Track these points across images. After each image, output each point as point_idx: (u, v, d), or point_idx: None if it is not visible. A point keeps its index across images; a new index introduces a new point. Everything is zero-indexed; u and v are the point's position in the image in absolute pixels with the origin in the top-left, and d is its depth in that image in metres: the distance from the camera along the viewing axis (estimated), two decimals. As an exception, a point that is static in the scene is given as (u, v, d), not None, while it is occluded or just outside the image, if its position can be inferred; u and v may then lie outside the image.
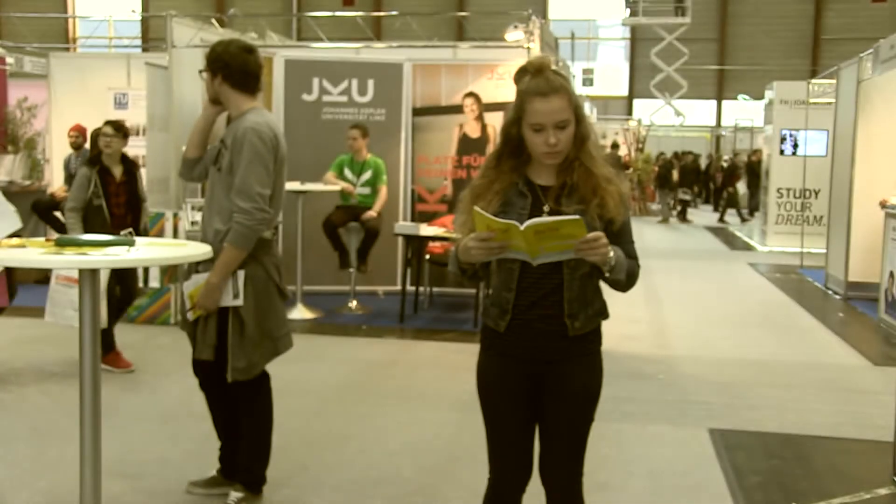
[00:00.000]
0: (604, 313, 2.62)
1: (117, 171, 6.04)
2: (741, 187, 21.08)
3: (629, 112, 32.44)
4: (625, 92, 33.61)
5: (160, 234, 7.53)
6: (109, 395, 4.80)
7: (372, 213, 8.20)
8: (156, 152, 8.19)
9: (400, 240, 8.54)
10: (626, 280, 2.52)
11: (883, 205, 8.75)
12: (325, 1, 24.70)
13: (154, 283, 7.63)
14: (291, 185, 7.27)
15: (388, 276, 9.11)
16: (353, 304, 8.43)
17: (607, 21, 33.85)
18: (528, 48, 8.12)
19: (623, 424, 5.13)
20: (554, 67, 2.53)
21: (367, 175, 8.31)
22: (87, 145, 9.21)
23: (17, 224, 5.49)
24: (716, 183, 25.59)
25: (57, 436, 4.69)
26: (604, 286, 2.60)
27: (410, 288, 8.25)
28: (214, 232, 3.65)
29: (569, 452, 2.62)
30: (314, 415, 5.23)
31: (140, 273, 7.10)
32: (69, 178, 9.86)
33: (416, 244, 8.12)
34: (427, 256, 8.15)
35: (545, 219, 2.34)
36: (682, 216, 21.23)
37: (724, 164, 25.88)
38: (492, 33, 10.30)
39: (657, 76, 29.38)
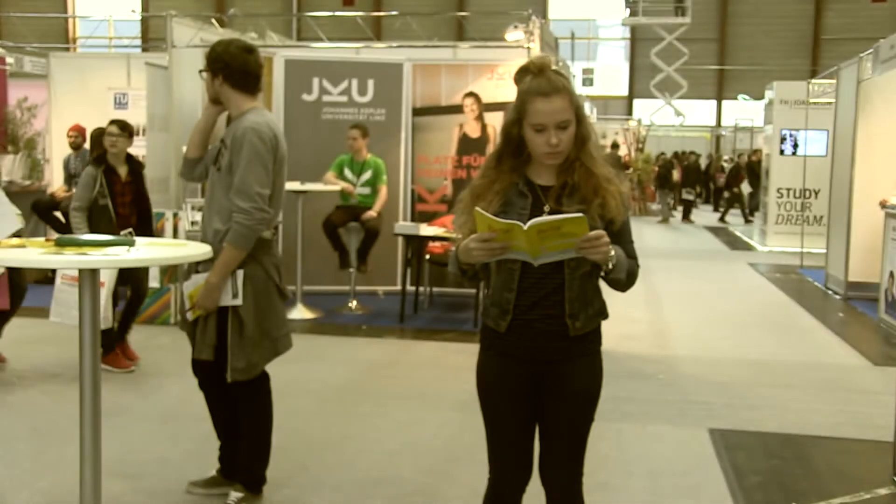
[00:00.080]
0: (604, 313, 2.62)
1: (122, 170, 6.05)
2: (745, 188, 21.03)
3: (629, 112, 32.45)
4: (625, 92, 33.62)
5: (160, 234, 7.53)
6: (109, 395, 4.80)
7: (372, 213, 8.20)
8: (156, 152, 8.20)
9: (400, 240, 8.54)
10: (626, 279, 2.52)
11: (883, 205, 8.75)
12: (325, 1, 24.70)
13: (154, 283, 7.63)
14: (291, 185, 7.27)
15: (388, 276, 9.11)
16: (353, 304, 8.43)
17: (607, 21, 33.86)
18: (528, 48, 8.12)
19: (623, 424, 5.13)
20: (554, 67, 2.53)
21: (367, 175, 8.31)
22: (87, 145, 9.21)
23: (18, 224, 5.51)
24: (716, 183, 25.59)
25: (57, 436, 4.69)
26: (603, 286, 2.60)
27: (410, 288, 8.25)
28: (214, 232, 3.65)
29: (569, 452, 2.63)
30: (314, 415, 5.23)
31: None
32: (69, 178, 9.86)
33: (416, 244, 8.12)
34: (427, 256, 8.15)
35: (548, 217, 2.34)
36: (686, 216, 21.19)
37: (725, 164, 25.88)
38: (492, 33, 10.31)
39: (657, 76, 29.39)
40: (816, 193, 14.28)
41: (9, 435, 4.75)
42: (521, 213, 2.49)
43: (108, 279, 5.80)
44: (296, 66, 9.03)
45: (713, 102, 32.79)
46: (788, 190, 14.84)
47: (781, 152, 14.86)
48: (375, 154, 8.38)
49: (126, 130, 6.03)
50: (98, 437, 3.11)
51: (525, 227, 2.29)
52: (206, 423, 4.02)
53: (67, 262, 3.15)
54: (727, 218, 21.36)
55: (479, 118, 8.85)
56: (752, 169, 20.26)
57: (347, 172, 8.32)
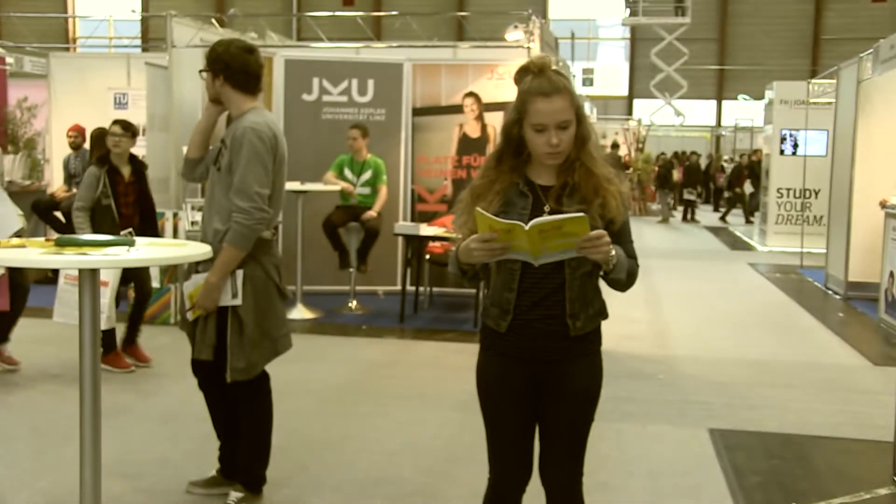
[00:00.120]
0: (604, 313, 2.62)
1: (126, 170, 6.04)
2: (748, 188, 21.00)
3: (629, 112, 32.45)
4: (625, 92, 33.62)
5: (160, 234, 7.53)
6: (109, 395, 4.80)
7: (372, 213, 8.20)
8: (156, 152, 8.20)
9: (400, 240, 8.54)
10: (626, 279, 2.53)
11: (883, 205, 8.75)
12: (325, 1, 24.70)
13: (154, 283, 7.63)
14: (291, 185, 7.27)
15: (388, 276, 9.11)
16: (353, 304, 8.43)
17: (607, 21, 33.87)
18: (528, 48, 8.12)
19: (623, 424, 5.13)
20: (554, 67, 2.53)
21: (367, 175, 8.31)
22: (87, 145, 9.21)
23: (20, 224, 5.52)
24: (716, 183, 25.58)
25: (57, 436, 4.69)
26: (602, 286, 2.60)
27: (410, 288, 8.25)
28: (214, 232, 3.65)
29: (569, 452, 2.63)
30: (314, 415, 5.23)
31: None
32: (68, 178, 9.86)
33: (416, 244, 8.12)
34: (427, 256, 8.15)
35: (549, 217, 2.33)
36: (691, 216, 21.09)
37: (725, 165, 25.87)
38: (492, 33, 10.30)
39: (657, 76, 29.41)
40: (816, 193, 14.29)
41: (9, 435, 4.75)
42: (522, 213, 2.49)
43: (111, 279, 5.80)
44: (296, 66, 9.03)
45: (713, 102, 32.80)
46: (788, 190, 14.84)
47: (781, 152, 14.86)
48: (375, 154, 8.38)
49: (129, 130, 6.03)
50: (98, 437, 3.11)
51: (526, 228, 2.29)
52: (206, 423, 4.02)
53: (67, 262, 3.15)
54: (728, 218, 21.34)
55: (479, 118, 8.85)
56: (752, 169, 20.25)
57: (347, 172, 8.32)
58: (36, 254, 3.00)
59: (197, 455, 4.37)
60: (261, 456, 3.84)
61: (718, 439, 4.93)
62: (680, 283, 11.19)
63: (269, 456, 3.87)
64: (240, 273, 3.62)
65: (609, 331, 2.65)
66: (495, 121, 8.57)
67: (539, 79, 2.48)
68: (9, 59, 11.05)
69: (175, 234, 7.61)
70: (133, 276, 6.20)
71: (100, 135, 8.70)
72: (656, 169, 22.55)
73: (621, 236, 2.54)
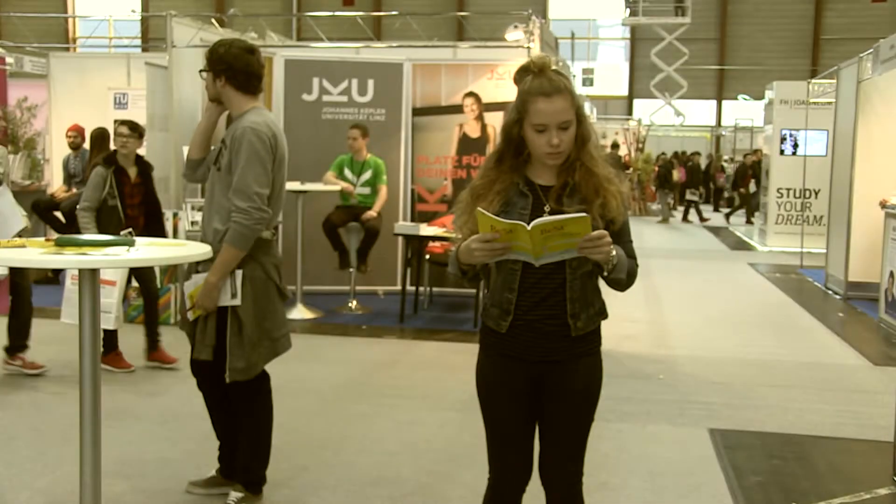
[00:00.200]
0: (604, 313, 2.62)
1: (132, 171, 6.04)
2: (752, 187, 20.95)
3: (629, 112, 32.44)
4: (625, 92, 33.61)
5: (165, 234, 7.52)
6: (109, 395, 4.80)
7: (372, 213, 8.20)
8: (156, 152, 8.19)
9: (400, 240, 8.55)
10: (626, 279, 2.53)
11: (883, 205, 8.75)
12: (325, 1, 24.70)
13: (154, 283, 7.63)
14: (291, 185, 7.27)
15: (388, 276, 9.11)
16: (353, 304, 8.43)
17: (607, 21, 33.86)
18: (528, 48, 8.12)
19: (623, 424, 5.13)
20: (554, 67, 2.53)
21: (366, 175, 8.31)
22: (87, 145, 9.21)
23: (23, 224, 5.52)
24: (716, 183, 25.56)
25: (57, 436, 4.69)
26: (602, 285, 2.60)
27: (410, 288, 8.25)
28: (214, 231, 3.65)
29: (569, 452, 2.63)
30: (314, 415, 5.23)
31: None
32: (68, 178, 9.86)
33: (416, 244, 8.12)
34: (427, 256, 8.15)
35: (551, 217, 2.33)
36: (698, 216, 21.00)
37: (725, 165, 25.85)
38: (492, 33, 10.30)
39: (657, 76, 29.41)
40: (816, 193, 14.29)
41: (9, 435, 4.75)
42: (522, 213, 2.49)
43: (119, 279, 5.80)
44: (296, 66, 9.03)
45: (713, 102, 32.79)
46: (788, 190, 14.84)
47: (781, 152, 14.87)
48: (375, 154, 8.38)
49: (136, 131, 6.03)
50: (98, 437, 3.11)
51: (529, 228, 2.29)
52: (206, 423, 4.02)
53: (67, 262, 3.15)
54: (731, 218, 21.29)
55: (479, 118, 8.85)
56: (752, 169, 20.21)
57: (347, 172, 8.32)
58: (36, 254, 3.00)
59: (197, 455, 4.37)
60: (261, 456, 3.84)
61: (718, 439, 4.93)
62: (680, 283, 11.19)
63: (269, 456, 3.87)
64: (239, 273, 3.62)
65: (609, 331, 2.65)
66: (495, 121, 8.57)
67: (539, 79, 2.48)
68: (9, 59, 11.04)
69: (175, 234, 7.61)
70: (138, 277, 6.20)
71: (100, 135, 8.71)
72: (656, 169, 22.53)
73: (621, 236, 2.54)
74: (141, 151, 8.49)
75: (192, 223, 7.56)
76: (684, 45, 28.31)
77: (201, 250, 3.26)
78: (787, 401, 5.80)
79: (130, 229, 5.60)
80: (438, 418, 5.19)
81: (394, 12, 27.90)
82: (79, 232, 6.07)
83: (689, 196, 21.71)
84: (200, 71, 3.81)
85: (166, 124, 8.11)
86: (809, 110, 13.27)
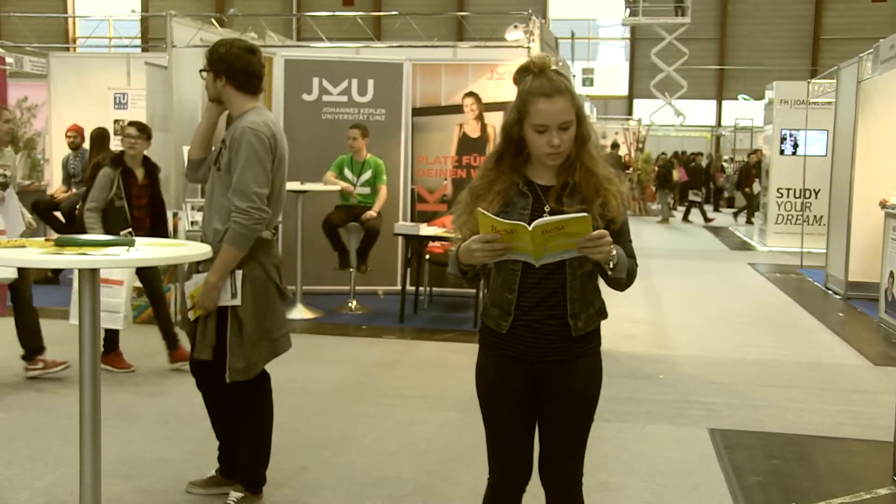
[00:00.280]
0: (604, 313, 2.62)
1: (140, 172, 6.04)
2: (756, 187, 20.90)
3: (629, 112, 32.44)
4: (625, 92, 33.61)
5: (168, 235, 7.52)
6: (109, 395, 4.81)
7: (372, 213, 8.20)
8: (156, 152, 8.17)
9: (400, 240, 8.54)
10: (626, 279, 2.53)
11: (883, 205, 8.75)
12: (325, 1, 24.68)
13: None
14: (291, 185, 7.26)
15: (388, 276, 9.11)
16: (353, 304, 8.43)
17: (607, 21, 33.86)
18: (528, 48, 8.12)
19: (623, 424, 5.13)
20: (554, 67, 2.53)
21: (366, 175, 8.31)
22: (86, 145, 9.21)
23: (23, 227, 5.53)
24: (716, 183, 25.55)
25: (57, 436, 4.68)
26: (601, 285, 2.60)
27: (410, 288, 8.25)
28: (214, 231, 3.65)
29: (569, 452, 2.63)
30: (314, 415, 5.23)
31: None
32: (67, 178, 9.86)
33: (416, 244, 8.11)
34: (427, 256, 8.15)
35: (552, 217, 2.33)
36: (703, 216, 20.97)
37: (725, 165, 25.84)
38: (492, 33, 10.29)
39: (657, 76, 29.40)
40: (816, 193, 14.29)
41: (9, 435, 4.75)
42: (522, 213, 2.49)
43: (126, 279, 5.79)
44: (296, 66, 9.03)
45: (713, 102, 32.79)
46: (788, 190, 14.85)
47: (781, 152, 14.87)
48: (375, 154, 8.38)
49: (144, 132, 6.02)
50: (98, 437, 3.11)
51: (530, 228, 2.29)
52: (206, 423, 4.02)
53: (67, 262, 3.15)
54: (738, 217, 21.26)
55: (479, 118, 8.85)
56: (756, 168, 20.17)
57: (347, 172, 8.32)
58: (36, 254, 3.00)
59: (197, 455, 4.37)
60: (261, 456, 3.84)
61: (718, 439, 4.93)
62: (680, 283, 11.19)
63: (269, 456, 3.87)
64: (239, 273, 3.61)
65: (609, 331, 2.65)
66: (495, 121, 8.57)
67: (540, 79, 2.48)
68: (9, 59, 11.05)
69: (175, 234, 7.61)
70: (143, 279, 6.19)
71: (100, 135, 8.72)
72: (656, 169, 22.53)
73: (621, 235, 2.54)
74: (141, 151, 8.48)
75: (192, 223, 7.55)
76: (684, 45, 28.31)
77: (201, 250, 3.26)
78: (787, 401, 5.80)
79: (130, 229, 5.62)
80: (438, 418, 5.19)
81: (394, 12, 27.91)
82: (79, 232, 6.08)
83: (692, 197, 21.69)
84: (201, 71, 3.81)
85: (166, 124, 8.11)
86: (809, 110, 13.27)
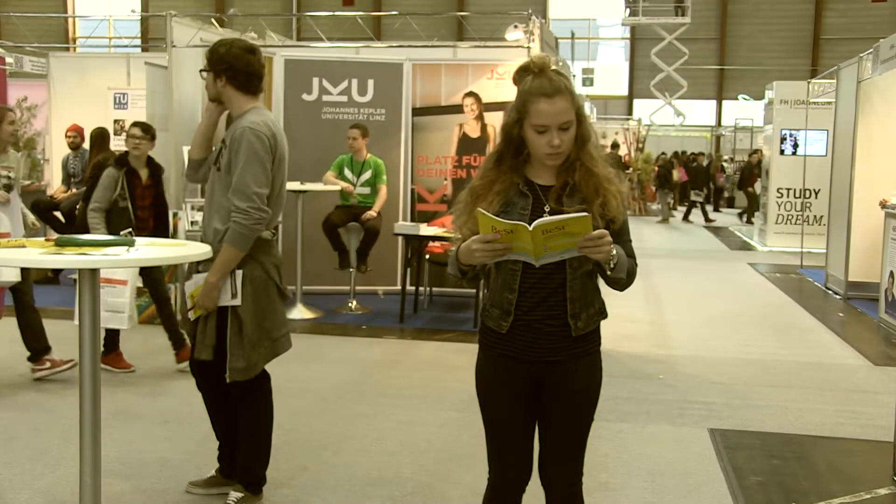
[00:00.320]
0: (604, 313, 2.62)
1: (144, 173, 6.04)
2: (758, 187, 20.84)
3: (629, 112, 32.44)
4: (625, 92, 33.61)
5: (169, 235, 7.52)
6: (109, 395, 4.81)
7: (372, 213, 8.20)
8: (156, 152, 8.18)
9: (400, 240, 8.54)
10: (626, 278, 2.53)
11: (883, 205, 8.75)
12: (325, 1, 24.67)
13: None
14: (291, 185, 7.26)
15: (388, 276, 9.11)
16: (353, 304, 8.43)
17: (607, 21, 33.85)
18: (528, 48, 8.12)
19: (623, 424, 5.13)
20: (554, 67, 2.53)
21: (366, 175, 8.31)
22: (86, 145, 9.21)
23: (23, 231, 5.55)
24: (716, 183, 25.52)
25: (57, 436, 4.68)
26: (601, 286, 2.60)
27: (410, 288, 8.25)
28: (214, 231, 3.66)
29: (569, 452, 2.63)
30: (314, 415, 5.23)
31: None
32: (67, 178, 9.86)
33: (415, 244, 8.11)
34: (427, 256, 8.15)
35: (552, 217, 2.33)
36: (704, 216, 20.94)
37: (725, 165, 25.82)
38: (492, 33, 10.29)
39: (657, 76, 29.39)
40: (816, 193, 14.29)
41: (9, 435, 4.75)
42: (522, 213, 2.49)
43: (130, 278, 5.78)
44: (296, 66, 9.03)
45: (713, 102, 32.78)
46: (788, 190, 14.85)
47: (781, 152, 14.87)
48: (375, 154, 8.38)
49: (149, 133, 6.03)
50: (98, 437, 3.11)
51: (530, 228, 2.29)
52: (206, 423, 4.02)
53: (67, 262, 3.15)
54: (743, 217, 21.24)
55: (479, 118, 8.85)
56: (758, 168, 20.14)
57: (347, 172, 8.32)
58: (36, 254, 3.00)
59: (197, 455, 4.37)
60: (261, 456, 3.84)
61: (718, 439, 4.93)
62: (680, 283, 11.19)
63: (269, 456, 3.87)
64: (239, 273, 3.62)
65: (609, 331, 2.65)
66: (495, 121, 8.57)
67: (540, 79, 2.48)
68: (9, 59, 11.06)
69: (175, 234, 7.61)
70: (146, 279, 6.19)
71: (99, 135, 8.72)
72: (656, 169, 22.52)
73: (621, 235, 2.54)
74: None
75: (192, 223, 7.55)
76: (684, 45, 28.30)
77: (201, 250, 3.26)
78: (787, 401, 5.80)
79: (130, 229, 5.61)
80: (438, 418, 5.19)
81: (394, 12, 27.88)
82: (79, 232, 6.07)
83: (693, 197, 21.67)
84: (201, 71, 3.81)
85: (166, 124, 8.11)
86: (809, 110, 13.27)
